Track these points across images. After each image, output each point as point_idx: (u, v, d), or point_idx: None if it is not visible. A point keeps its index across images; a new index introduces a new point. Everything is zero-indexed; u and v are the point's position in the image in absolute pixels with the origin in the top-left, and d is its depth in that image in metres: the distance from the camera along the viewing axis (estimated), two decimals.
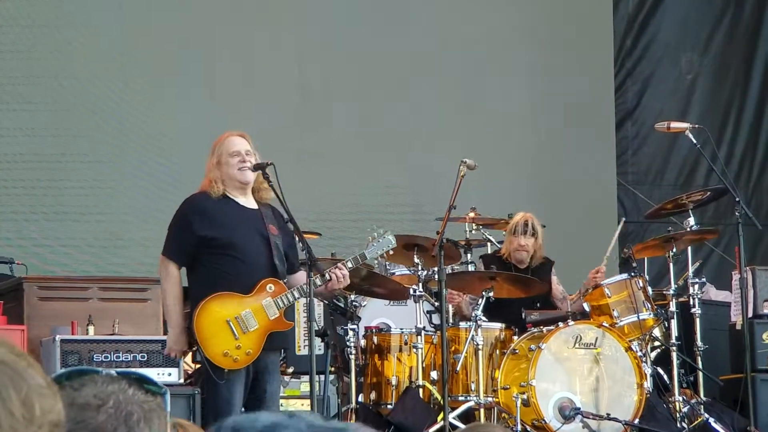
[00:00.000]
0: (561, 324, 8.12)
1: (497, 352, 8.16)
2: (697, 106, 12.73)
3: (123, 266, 10.45)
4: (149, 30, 11.01)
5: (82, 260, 10.50)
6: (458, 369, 8.03)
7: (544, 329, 8.13)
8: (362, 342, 8.33)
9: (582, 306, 8.42)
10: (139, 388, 1.99)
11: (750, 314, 8.68)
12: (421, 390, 8.04)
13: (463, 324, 8.24)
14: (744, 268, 8.39)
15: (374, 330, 8.43)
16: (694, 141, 8.62)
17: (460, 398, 8.05)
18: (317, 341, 6.93)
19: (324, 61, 11.57)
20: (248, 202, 6.64)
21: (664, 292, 8.77)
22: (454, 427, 7.66)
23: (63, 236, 10.56)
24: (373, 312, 8.87)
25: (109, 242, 10.67)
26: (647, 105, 12.69)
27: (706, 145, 9.55)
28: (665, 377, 8.59)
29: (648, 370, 8.18)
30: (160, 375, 7.36)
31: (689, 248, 8.87)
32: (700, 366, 8.59)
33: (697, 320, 8.62)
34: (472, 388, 8.03)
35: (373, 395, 8.27)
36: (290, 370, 8.46)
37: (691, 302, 8.65)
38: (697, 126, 8.70)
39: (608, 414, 7.88)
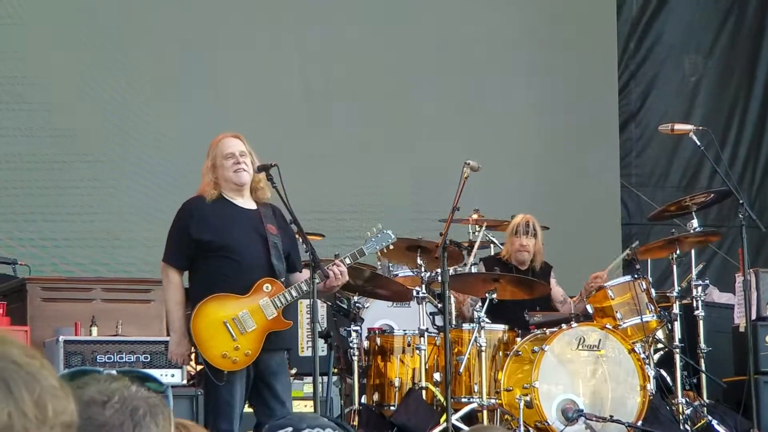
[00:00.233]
0: (564, 326, 8.11)
1: (500, 353, 8.15)
2: (701, 108, 12.73)
3: (126, 266, 10.45)
4: (151, 31, 11.02)
5: (85, 260, 10.50)
6: (461, 371, 8.02)
7: (547, 331, 8.12)
8: (365, 343, 8.33)
9: (585, 308, 8.41)
10: (141, 386, 2.01)
11: (753, 316, 8.68)
12: (423, 392, 8.04)
13: (466, 326, 8.23)
14: (747, 270, 8.38)
15: (377, 331, 8.43)
16: (698, 143, 8.61)
17: (463, 400, 8.04)
18: (320, 342, 6.92)
19: (325, 62, 11.57)
20: (246, 202, 6.63)
21: (668, 294, 8.77)
22: (456, 428, 7.65)
23: (65, 236, 10.57)
24: (376, 313, 8.87)
25: (111, 242, 10.67)
26: (651, 107, 12.70)
27: (710, 147, 9.55)
28: (668, 379, 8.59)
29: (651, 372, 8.17)
30: (163, 376, 7.35)
31: (692, 250, 8.86)
32: (703, 368, 8.59)
33: (701, 322, 8.62)
34: (475, 390, 8.02)
35: (375, 397, 8.26)
36: (293, 371, 8.46)
37: (695, 304, 8.65)
38: (701, 128, 8.69)
39: (611, 416, 7.87)
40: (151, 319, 8.20)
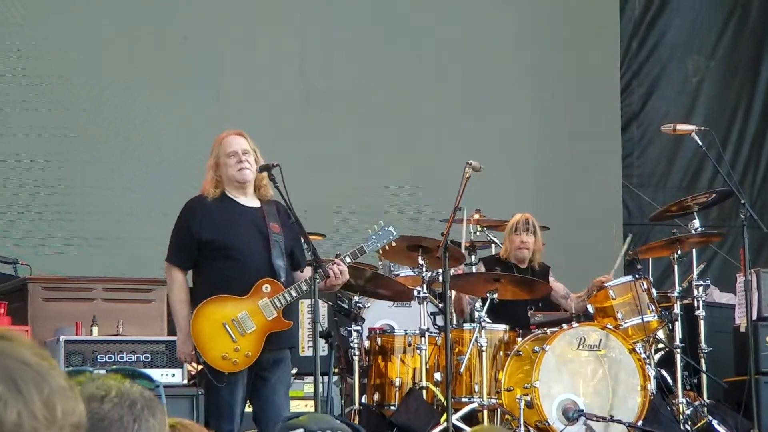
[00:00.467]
0: (565, 326, 8.12)
1: (501, 353, 8.16)
2: (703, 108, 12.73)
3: (126, 266, 10.45)
4: (152, 30, 11.03)
5: (86, 260, 10.50)
6: (462, 370, 8.02)
7: (548, 331, 8.13)
8: (366, 343, 8.33)
9: (586, 307, 8.42)
10: (132, 383, 2.03)
11: (754, 316, 8.67)
12: (424, 391, 8.04)
13: (467, 325, 8.24)
14: (748, 271, 8.39)
15: (378, 331, 8.43)
16: (700, 143, 8.61)
17: (464, 400, 8.04)
18: (321, 342, 6.92)
19: (325, 62, 11.58)
20: (249, 200, 6.63)
21: (669, 294, 8.77)
22: (457, 428, 7.66)
23: (67, 236, 10.57)
24: (377, 313, 8.88)
25: (111, 242, 10.68)
26: (653, 107, 12.70)
27: (712, 148, 9.54)
28: (669, 379, 8.59)
29: (652, 372, 8.18)
30: (164, 376, 7.34)
31: (693, 250, 8.86)
32: (704, 368, 8.59)
33: (701, 322, 8.62)
34: (476, 390, 8.02)
35: (376, 396, 8.27)
36: (294, 371, 8.46)
37: (696, 304, 8.65)
38: (703, 128, 8.69)
39: (612, 416, 7.87)
40: (152, 319, 8.20)
